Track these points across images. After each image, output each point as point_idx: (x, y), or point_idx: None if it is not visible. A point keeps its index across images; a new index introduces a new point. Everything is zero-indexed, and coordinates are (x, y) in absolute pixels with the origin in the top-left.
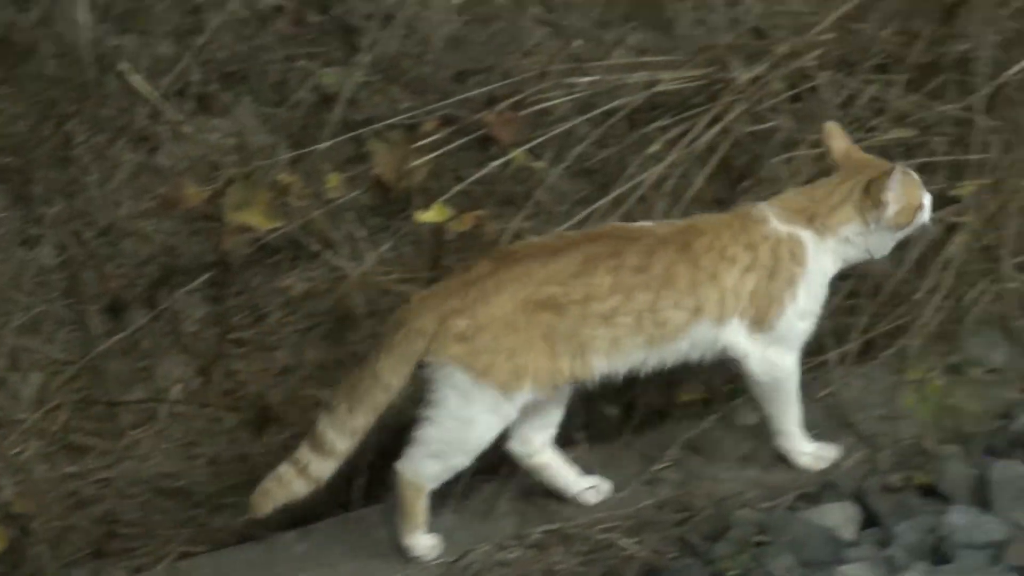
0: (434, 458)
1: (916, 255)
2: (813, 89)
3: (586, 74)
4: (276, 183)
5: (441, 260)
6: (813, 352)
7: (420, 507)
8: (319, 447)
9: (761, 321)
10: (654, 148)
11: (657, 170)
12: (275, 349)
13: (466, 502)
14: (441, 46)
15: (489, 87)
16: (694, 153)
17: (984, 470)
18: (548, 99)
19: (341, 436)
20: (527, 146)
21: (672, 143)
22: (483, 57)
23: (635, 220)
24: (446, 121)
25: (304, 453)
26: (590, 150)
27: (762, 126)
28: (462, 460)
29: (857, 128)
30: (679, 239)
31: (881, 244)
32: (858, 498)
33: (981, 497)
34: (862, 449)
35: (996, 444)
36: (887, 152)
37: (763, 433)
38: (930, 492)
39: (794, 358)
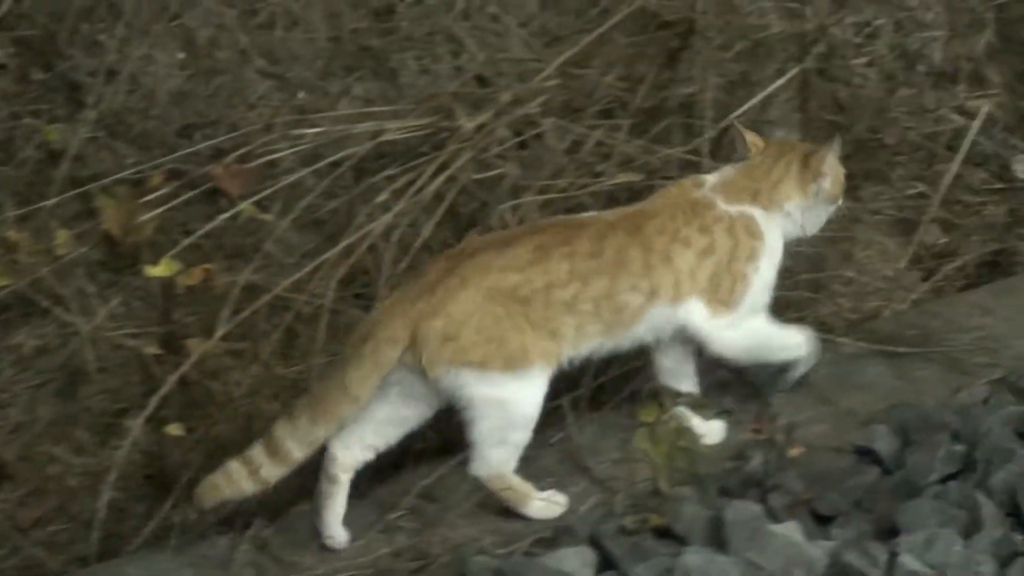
0: (498, 446)
1: None
2: (539, 136)
3: (312, 125)
4: (4, 240)
5: (171, 314)
6: (547, 397)
7: (516, 483)
8: (275, 453)
9: (725, 301)
10: (382, 197)
11: (385, 219)
12: (7, 407)
13: (203, 555)
14: (166, 101)
15: (215, 140)
16: (422, 202)
17: (719, 511)
18: (275, 151)
19: (299, 446)
20: (255, 198)
21: (400, 192)
22: (208, 111)
23: (366, 270)
24: (173, 175)
25: (258, 454)
26: (318, 201)
27: (489, 173)
28: (523, 435)
29: (583, 173)
30: (629, 223)
31: (815, 220)
32: (594, 541)
33: (716, 537)
34: (597, 493)
35: (730, 485)
36: (614, 197)
37: None
38: (665, 534)
39: (761, 318)
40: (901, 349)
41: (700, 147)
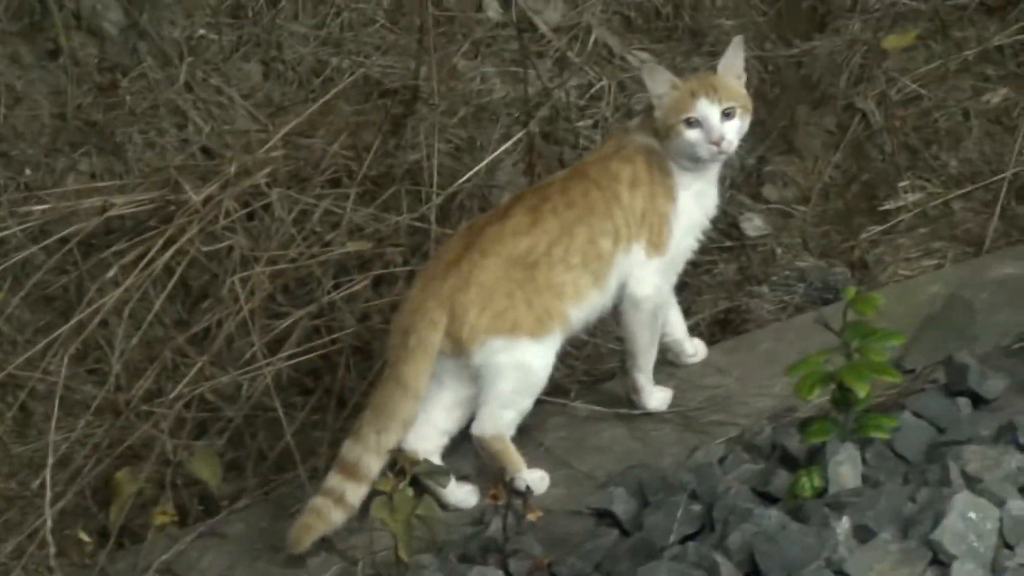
0: (505, 408)
1: None
2: (266, 206)
3: (39, 202)
4: None
5: None
6: (282, 469)
7: (511, 451)
8: (353, 474)
9: (657, 244)
10: (112, 272)
11: (116, 294)
12: None
13: None
14: None
15: None
16: (152, 275)
17: None
18: (2, 229)
19: (375, 458)
20: None
21: (130, 267)
22: None
23: (98, 345)
24: None
25: (337, 483)
26: (48, 278)
27: (218, 245)
28: (529, 401)
29: (313, 243)
30: (579, 172)
31: (678, 152)
32: None
33: None
34: (338, 563)
35: (470, 551)
36: (344, 266)
37: (241, 551)
38: None
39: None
40: (636, 411)
41: (428, 213)
